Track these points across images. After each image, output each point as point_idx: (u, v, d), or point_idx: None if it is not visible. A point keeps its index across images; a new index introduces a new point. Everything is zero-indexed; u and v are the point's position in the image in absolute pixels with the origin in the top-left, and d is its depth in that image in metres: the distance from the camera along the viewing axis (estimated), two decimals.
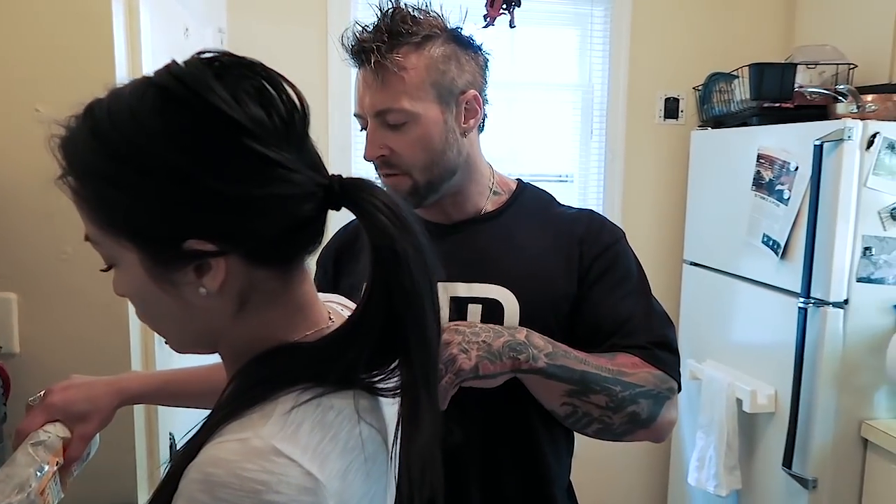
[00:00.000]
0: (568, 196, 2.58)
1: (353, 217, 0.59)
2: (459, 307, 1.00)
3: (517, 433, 1.02)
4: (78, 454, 0.85)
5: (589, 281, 1.01)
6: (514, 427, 1.02)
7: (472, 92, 1.00)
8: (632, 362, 0.95)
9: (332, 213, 0.61)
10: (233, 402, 0.56)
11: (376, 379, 0.60)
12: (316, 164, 0.59)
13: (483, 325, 0.90)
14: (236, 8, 2.21)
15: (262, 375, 0.58)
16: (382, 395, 0.61)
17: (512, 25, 2.28)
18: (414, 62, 0.95)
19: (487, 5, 2.23)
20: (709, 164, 2.40)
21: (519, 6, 2.24)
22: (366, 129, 0.98)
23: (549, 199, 1.12)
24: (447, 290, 1.00)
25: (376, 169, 1.01)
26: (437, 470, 0.58)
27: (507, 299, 0.99)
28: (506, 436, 1.02)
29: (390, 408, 0.63)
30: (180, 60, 0.56)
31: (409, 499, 0.56)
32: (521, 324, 0.98)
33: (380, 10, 0.96)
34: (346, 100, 2.37)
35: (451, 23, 1.01)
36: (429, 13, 0.98)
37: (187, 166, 0.53)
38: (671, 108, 2.55)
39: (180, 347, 0.64)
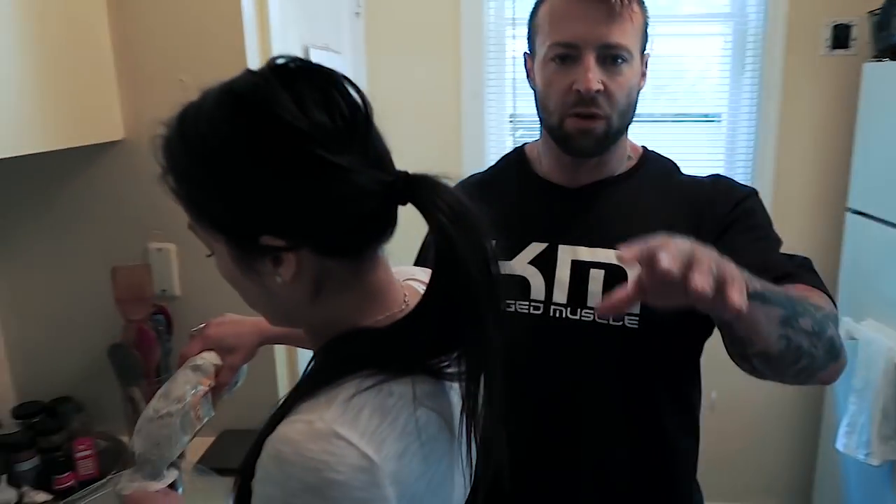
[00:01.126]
0: (715, 138, 2.41)
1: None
2: (581, 271, 0.99)
3: (642, 410, 1.01)
4: (226, 380, 0.99)
5: (726, 234, 0.96)
6: (640, 404, 1.01)
7: (648, 53, 1.02)
8: (804, 288, 0.89)
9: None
10: (307, 382, 0.63)
11: (442, 364, 0.64)
12: (380, 161, 0.62)
13: None
14: None
15: (331, 360, 0.64)
16: (448, 380, 0.65)
17: None
18: (636, 9, 0.97)
19: None
20: (884, 101, 2.11)
21: None
22: (560, 60, 0.97)
23: (674, 166, 1.09)
24: (570, 254, 1.00)
25: (557, 118, 0.98)
26: (501, 449, 0.62)
27: (632, 267, 0.97)
28: (630, 410, 1.01)
29: (457, 391, 0.67)
30: (255, 67, 0.62)
31: (475, 478, 0.61)
32: None
33: None
34: (478, 77, 2.32)
35: None
36: None
37: (254, 170, 0.59)
38: (840, 37, 2.25)
39: (273, 323, 0.73)
